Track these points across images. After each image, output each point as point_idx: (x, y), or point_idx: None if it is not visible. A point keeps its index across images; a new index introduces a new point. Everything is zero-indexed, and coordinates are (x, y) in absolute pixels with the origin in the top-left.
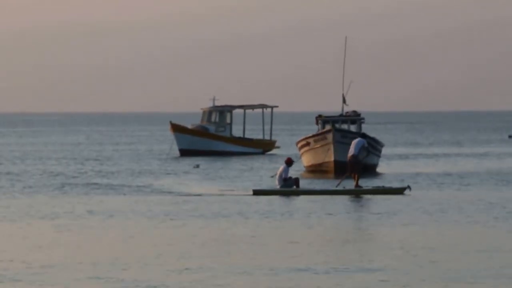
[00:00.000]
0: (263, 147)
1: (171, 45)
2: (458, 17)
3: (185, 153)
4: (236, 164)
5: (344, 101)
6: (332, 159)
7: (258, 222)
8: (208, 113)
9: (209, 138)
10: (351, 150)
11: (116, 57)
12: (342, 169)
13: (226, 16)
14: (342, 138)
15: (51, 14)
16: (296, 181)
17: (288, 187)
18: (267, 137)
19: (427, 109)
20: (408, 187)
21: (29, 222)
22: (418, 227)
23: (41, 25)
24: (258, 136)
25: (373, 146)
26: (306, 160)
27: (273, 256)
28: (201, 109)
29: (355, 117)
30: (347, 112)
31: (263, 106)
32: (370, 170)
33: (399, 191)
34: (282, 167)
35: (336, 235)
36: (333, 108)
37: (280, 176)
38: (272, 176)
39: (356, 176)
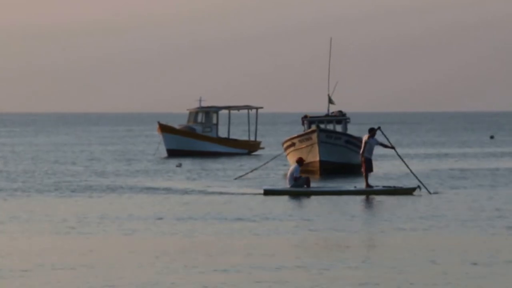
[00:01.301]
0: (248, 147)
1: (156, 46)
2: (444, 17)
3: (172, 153)
4: (217, 164)
5: (330, 101)
6: (317, 159)
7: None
8: (195, 114)
9: (196, 138)
10: (362, 148)
11: (98, 57)
12: (327, 169)
13: (212, 17)
14: (327, 138)
15: (46, 12)
16: (307, 180)
17: (299, 186)
18: (252, 138)
19: (412, 110)
20: (418, 187)
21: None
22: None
23: (38, 23)
24: (243, 136)
25: (358, 146)
26: (291, 160)
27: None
28: (187, 110)
29: (340, 117)
30: (333, 112)
31: (248, 107)
32: (355, 170)
33: (409, 191)
34: (292, 166)
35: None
36: (320, 108)
37: (291, 175)
38: (236, 178)
39: (364, 175)
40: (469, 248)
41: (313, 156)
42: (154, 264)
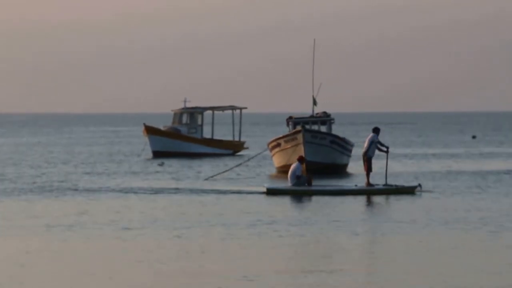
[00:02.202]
0: (233, 148)
1: (137, 45)
2: (428, 17)
3: (158, 154)
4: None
5: (314, 102)
6: None
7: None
8: (179, 114)
9: (181, 140)
10: (364, 147)
11: (79, 58)
12: (312, 169)
13: (196, 16)
14: (312, 138)
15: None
16: (308, 179)
17: (301, 184)
18: (236, 138)
19: (397, 110)
20: (419, 185)
21: None
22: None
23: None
24: (227, 137)
25: (342, 146)
26: (277, 161)
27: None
28: (172, 110)
29: (325, 118)
30: (318, 113)
31: (232, 108)
32: (340, 170)
33: (410, 190)
34: (294, 164)
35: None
36: (304, 109)
37: (293, 173)
38: (206, 179)
39: (366, 173)
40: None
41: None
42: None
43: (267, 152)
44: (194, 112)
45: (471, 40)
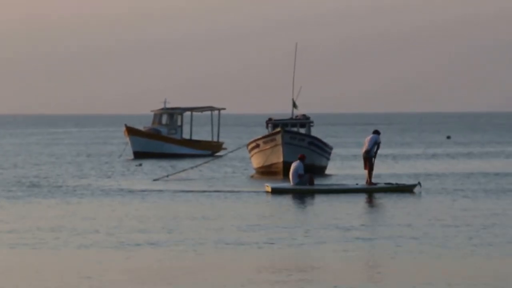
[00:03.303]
0: (211, 148)
1: (115, 46)
2: (407, 18)
3: (139, 155)
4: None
5: (294, 105)
6: (281, 160)
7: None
8: (159, 115)
9: (162, 140)
10: (365, 146)
11: (54, 58)
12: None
13: (176, 16)
14: (291, 140)
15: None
16: (310, 178)
17: (304, 183)
18: (215, 139)
19: (377, 111)
20: (419, 183)
21: None
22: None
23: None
24: (205, 137)
25: (321, 148)
26: (255, 161)
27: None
28: (151, 111)
29: (304, 121)
30: (297, 116)
31: (211, 109)
32: (319, 172)
33: (410, 188)
34: (295, 163)
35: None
36: (285, 110)
37: (295, 172)
38: (154, 180)
39: (368, 172)
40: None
41: (277, 157)
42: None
43: (233, 154)
44: (173, 113)
45: (448, 42)
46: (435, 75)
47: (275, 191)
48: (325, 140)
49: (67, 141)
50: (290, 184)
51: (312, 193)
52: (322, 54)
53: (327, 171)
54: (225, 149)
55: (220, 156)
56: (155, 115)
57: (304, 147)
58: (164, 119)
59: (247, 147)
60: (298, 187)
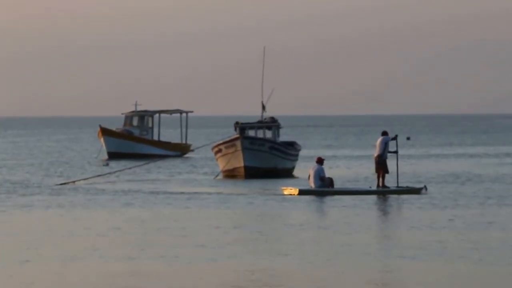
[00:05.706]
0: (181, 150)
1: (86, 48)
2: (380, 20)
3: (113, 155)
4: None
5: (263, 108)
6: (242, 164)
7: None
8: (130, 117)
9: (134, 141)
10: (377, 150)
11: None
12: (251, 173)
13: (146, 17)
14: (251, 145)
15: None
16: (330, 181)
17: (325, 186)
18: (183, 141)
19: (344, 113)
20: (425, 187)
21: None
22: None
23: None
24: (174, 139)
25: (283, 152)
26: (221, 165)
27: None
28: (122, 113)
29: (271, 124)
30: (266, 118)
31: (179, 111)
32: (283, 175)
33: (417, 191)
34: (313, 167)
35: None
36: (256, 112)
37: (317, 175)
38: (59, 184)
39: (382, 176)
40: None
41: (238, 162)
42: None
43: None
44: (144, 115)
45: (419, 43)
46: (405, 76)
47: (303, 193)
48: (297, 141)
49: (43, 143)
50: (312, 186)
51: (333, 194)
52: (293, 57)
53: (295, 173)
54: (193, 150)
55: (187, 157)
56: (126, 117)
57: (265, 151)
58: (135, 121)
59: (212, 150)
60: (323, 189)
